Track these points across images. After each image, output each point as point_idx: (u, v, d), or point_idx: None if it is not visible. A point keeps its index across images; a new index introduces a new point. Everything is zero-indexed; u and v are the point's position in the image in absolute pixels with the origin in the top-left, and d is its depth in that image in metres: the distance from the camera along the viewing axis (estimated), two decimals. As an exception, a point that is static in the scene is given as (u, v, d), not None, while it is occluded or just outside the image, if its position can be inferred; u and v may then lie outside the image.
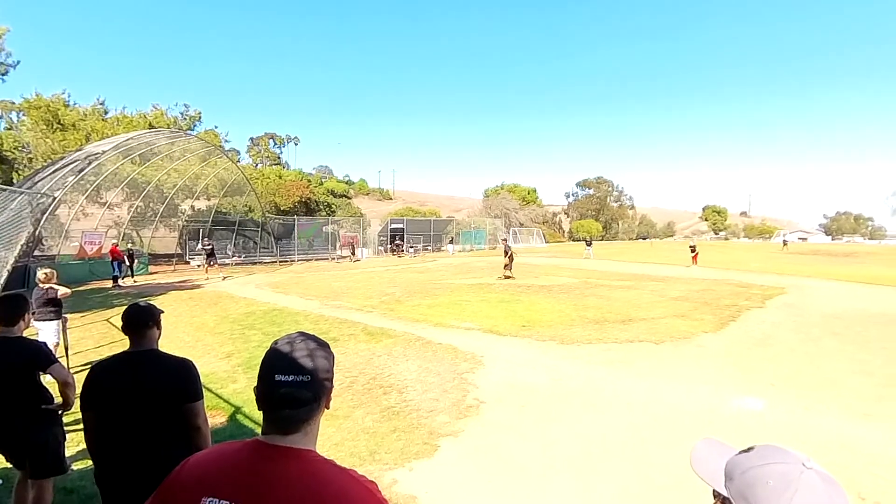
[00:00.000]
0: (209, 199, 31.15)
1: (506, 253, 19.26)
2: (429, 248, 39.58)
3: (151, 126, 31.11)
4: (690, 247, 27.74)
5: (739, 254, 40.57)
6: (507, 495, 3.83)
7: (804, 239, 78.50)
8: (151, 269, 23.45)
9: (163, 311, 2.68)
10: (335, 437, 4.78)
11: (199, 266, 25.51)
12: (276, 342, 1.19)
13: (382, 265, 26.51)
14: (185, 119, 37.23)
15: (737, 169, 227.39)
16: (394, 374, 6.75)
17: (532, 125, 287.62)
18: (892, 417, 5.48)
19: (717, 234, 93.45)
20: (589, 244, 36.06)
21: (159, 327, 2.49)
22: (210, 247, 20.67)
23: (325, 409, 1.19)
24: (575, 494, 3.85)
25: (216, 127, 39.51)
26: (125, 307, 2.53)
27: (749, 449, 0.94)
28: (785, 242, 59.45)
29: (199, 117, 38.46)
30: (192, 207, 30.81)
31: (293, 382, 1.09)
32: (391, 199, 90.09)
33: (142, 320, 2.39)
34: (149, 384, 2.20)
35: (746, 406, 5.78)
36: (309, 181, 54.47)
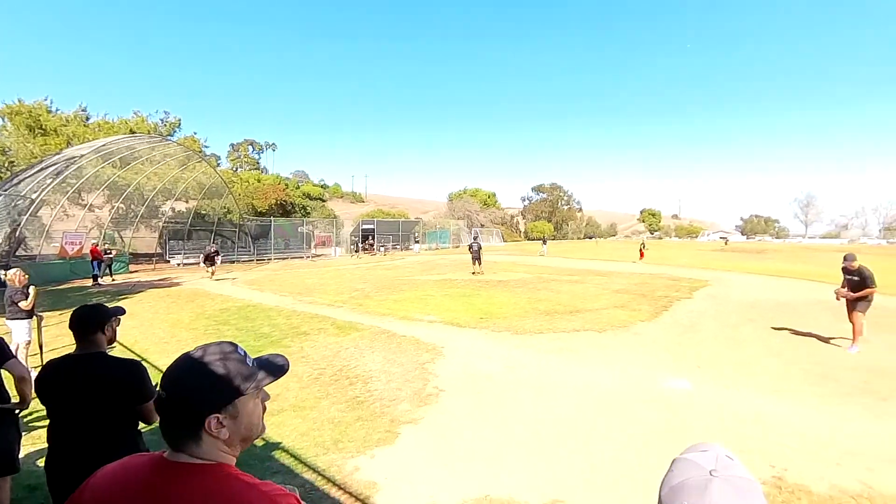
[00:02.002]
0: (188, 202, 30.14)
1: (473, 249, 19.37)
2: (398, 247, 39.31)
3: (132, 132, 29.77)
4: (642, 244, 29.95)
5: (671, 251, 41.92)
6: (463, 477, 3.75)
7: (724, 238, 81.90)
8: (132, 267, 22.40)
9: (123, 312, 2.45)
10: (301, 428, 4.59)
11: (178, 265, 24.55)
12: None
13: (354, 263, 26.13)
14: (165, 125, 35.91)
15: (669, 176, 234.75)
16: (360, 366, 6.57)
17: (492, 135, 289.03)
18: (796, 392, 5.71)
19: (652, 233, 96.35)
20: (544, 243, 36.76)
21: (106, 332, 2.27)
22: (214, 249, 19.42)
23: (229, 425, 0.98)
24: (525, 474, 3.81)
25: (195, 133, 38.28)
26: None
27: (671, 465, 0.87)
28: (726, 241, 62.31)
29: (179, 124, 37.26)
30: (172, 209, 29.70)
31: (163, 399, 0.96)
32: (363, 201, 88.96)
33: (83, 325, 2.21)
34: (91, 386, 2.07)
35: (676, 387, 5.90)
36: (286, 185, 53.27)
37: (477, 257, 19.08)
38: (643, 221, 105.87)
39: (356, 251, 34.43)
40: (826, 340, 8.32)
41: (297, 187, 60.89)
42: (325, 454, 4.06)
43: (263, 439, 4.28)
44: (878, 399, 5.54)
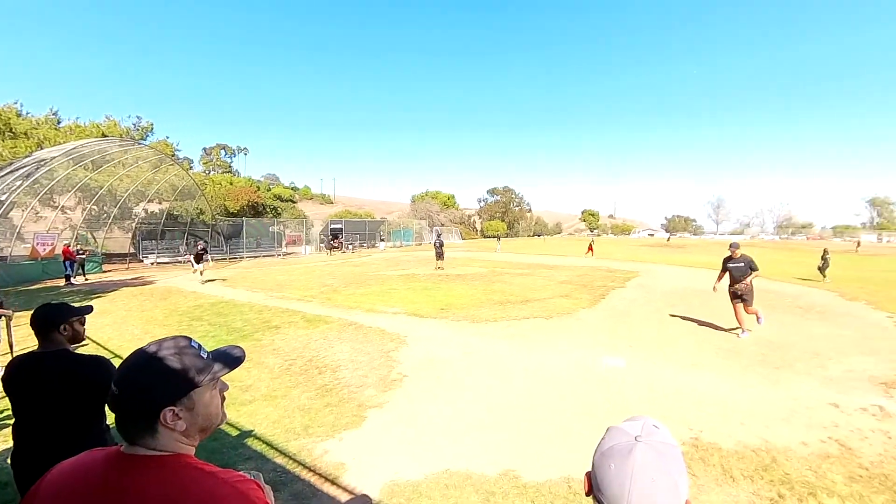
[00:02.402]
0: (161, 203, 28.51)
1: (436, 246, 19.62)
2: (364, 245, 38.79)
3: (104, 135, 27.83)
4: (592, 241, 32.12)
5: (608, 247, 43.46)
6: (425, 454, 3.76)
7: (652, 234, 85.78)
8: (105, 267, 20.93)
9: (89, 311, 2.30)
10: (272, 416, 4.44)
11: (152, 264, 23.19)
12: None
13: (324, 260, 25.54)
14: (137, 130, 33.77)
15: (606, 180, 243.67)
16: (328, 356, 6.42)
17: (452, 142, 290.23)
18: (709, 366, 6.07)
19: (591, 231, 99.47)
20: (499, 240, 37.56)
21: (64, 331, 2.10)
22: (202, 247, 16.80)
23: (185, 416, 0.94)
24: (481, 447, 3.87)
25: (168, 137, 36.06)
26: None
27: (605, 433, 0.90)
28: (669, 237, 64.93)
29: (152, 128, 35.12)
30: (145, 210, 27.98)
31: (115, 394, 0.91)
32: (332, 202, 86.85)
33: (40, 324, 2.05)
34: (54, 382, 1.93)
35: (612, 364, 6.14)
36: (257, 187, 51.30)
37: (440, 254, 19.27)
38: (584, 221, 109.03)
39: (330, 249, 33.64)
40: (730, 322, 8.89)
41: (269, 189, 58.88)
42: (295, 439, 3.96)
43: (237, 428, 4.14)
44: (773, 368, 5.99)
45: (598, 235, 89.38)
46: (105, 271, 20.16)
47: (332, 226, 37.77)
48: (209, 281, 15.34)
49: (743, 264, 7.85)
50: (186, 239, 27.83)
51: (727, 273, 8.04)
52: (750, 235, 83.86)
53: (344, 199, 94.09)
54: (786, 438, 4.04)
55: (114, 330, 8.25)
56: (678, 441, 3.22)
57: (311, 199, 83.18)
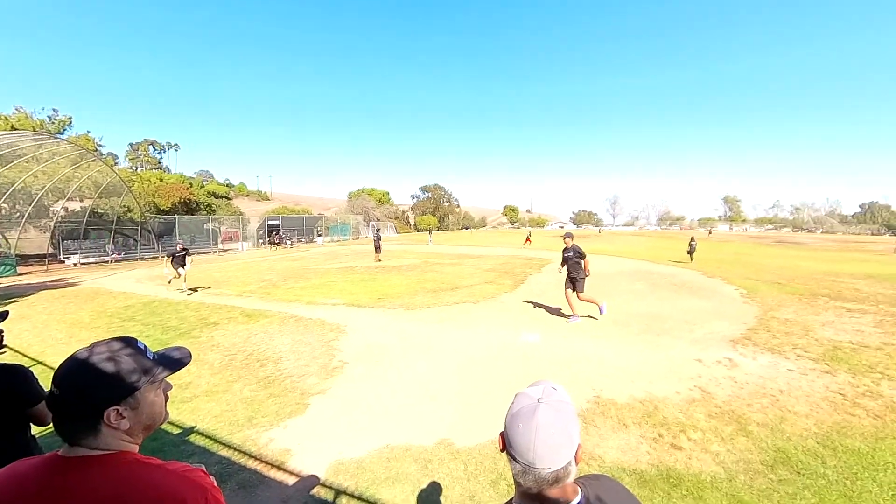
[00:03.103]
0: (83, 201, 24.75)
1: (375, 240, 19.49)
2: (303, 240, 36.90)
3: (14, 129, 23.57)
4: (529, 233, 33.93)
5: (509, 238, 45.45)
6: (367, 433, 3.74)
7: (562, 226, 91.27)
8: (21, 269, 17.79)
9: (4, 315, 1.99)
10: (215, 410, 4.13)
11: (74, 265, 20.24)
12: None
13: (262, 256, 23.97)
14: (53, 123, 28.94)
15: (525, 178, 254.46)
16: (270, 349, 6.08)
17: (386, 140, 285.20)
18: (607, 336, 6.65)
19: (512, 224, 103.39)
20: (430, 233, 37.79)
21: None
22: (182, 247, 11.80)
23: (129, 415, 0.88)
24: (419, 422, 3.93)
25: (89, 132, 31.13)
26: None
27: (514, 398, 0.93)
28: (600, 230, 68.62)
29: (70, 122, 30.26)
30: (65, 209, 24.19)
31: (56, 395, 0.85)
32: (268, 199, 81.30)
33: None
34: None
35: (530, 340, 6.50)
36: (190, 184, 46.37)
37: (377, 247, 19.12)
38: (505, 215, 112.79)
39: (274, 244, 31.49)
40: (619, 298, 9.79)
41: (202, 186, 53.58)
42: (240, 431, 3.73)
43: (178, 426, 3.81)
44: (655, 335, 6.71)
45: (518, 228, 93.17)
46: (20, 274, 17.25)
47: (270, 222, 35.31)
48: (192, 290, 11.36)
49: (572, 254, 7.63)
50: (114, 238, 24.65)
51: (565, 263, 7.75)
52: (638, 227, 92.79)
53: (281, 195, 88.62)
54: (664, 390, 4.58)
55: (34, 335, 7.13)
56: (581, 398, 3.48)
57: (247, 195, 77.35)
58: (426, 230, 54.74)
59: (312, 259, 20.86)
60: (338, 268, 16.52)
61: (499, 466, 3.16)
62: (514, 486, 0.91)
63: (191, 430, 3.75)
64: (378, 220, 58.39)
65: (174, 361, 1.00)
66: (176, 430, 3.74)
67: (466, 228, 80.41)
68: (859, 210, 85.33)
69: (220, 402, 4.33)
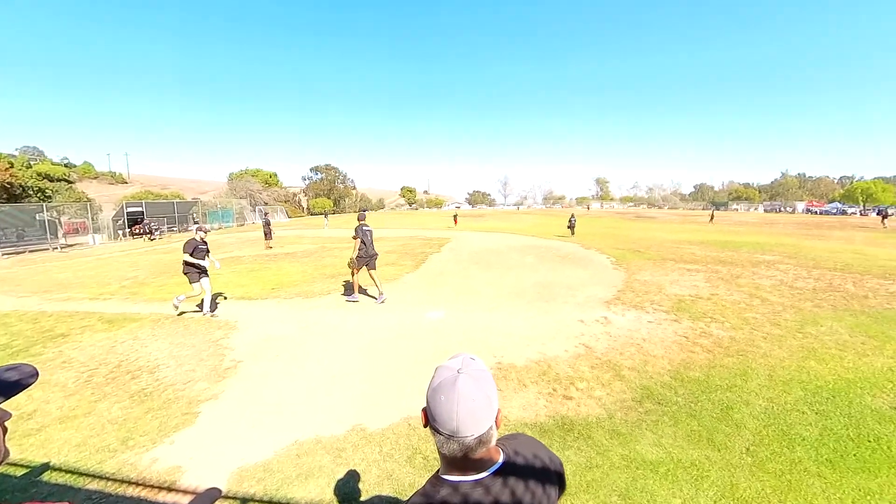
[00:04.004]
0: None
1: (265, 227, 17.74)
2: (175, 229, 31.96)
3: None
4: (455, 213, 34.70)
5: (423, 219, 46.17)
6: (272, 432, 3.51)
7: (458, 206, 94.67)
8: None
9: None
10: (75, 439, 3.42)
11: None
12: None
13: (122, 250, 20.24)
14: None
15: (421, 159, 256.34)
16: (142, 357, 5.24)
17: (272, 118, 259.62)
18: (504, 307, 7.20)
19: (410, 205, 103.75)
20: (326, 217, 35.86)
21: None
22: (203, 232, 7.42)
23: None
24: (328, 412, 3.81)
25: None
26: None
27: (434, 372, 0.95)
28: (518, 208, 70.82)
29: None
30: None
31: None
32: (126, 182, 68.39)
33: None
34: None
35: (434, 317, 6.70)
36: (10, 163, 36.31)
37: (267, 233, 17.58)
38: (403, 196, 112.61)
39: (138, 235, 26.38)
40: (516, 269, 10.67)
41: (29, 166, 42.39)
42: (112, 457, 3.17)
43: (23, 465, 3.08)
44: (545, 302, 7.48)
45: (416, 210, 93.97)
46: None
47: (130, 209, 29.58)
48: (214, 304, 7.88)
49: (368, 228, 7.77)
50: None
51: (360, 240, 7.59)
52: (527, 206, 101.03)
53: (142, 178, 75.32)
54: (555, 350, 5.16)
55: None
56: (488, 366, 3.70)
57: (95, 178, 64.07)
58: (321, 213, 51.88)
59: (186, 251, 18.29)
60: (221, 258, 14.77)
61: (413, 442, 3.25)
62: (429, 460, 0.94)
63: (44, 468, 3.06)
64: (266, 203, 53.55)
65: (8, 385, 0.81)
66: (21, 472, 3.01)
67: (364, 211, 78.39)
68: (693, 189, 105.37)
69: (80, 429, 3.60)
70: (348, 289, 7.94)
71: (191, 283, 7.04)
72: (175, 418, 3.75)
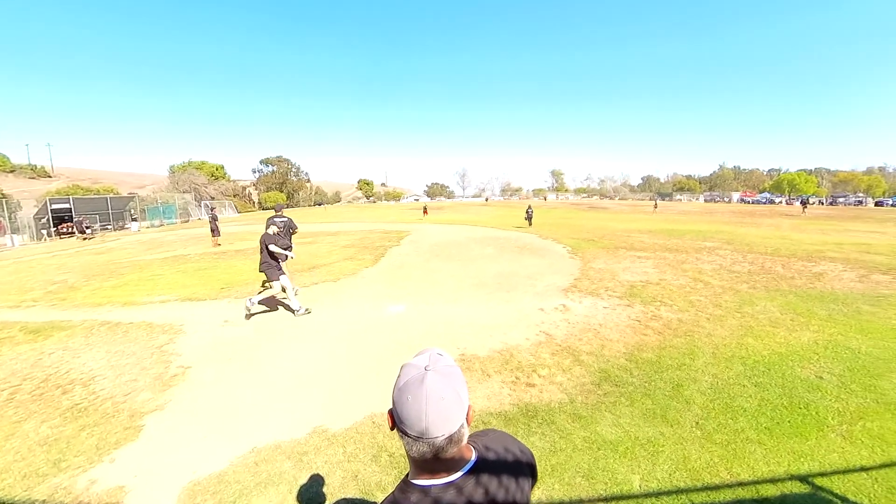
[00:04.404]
0: None
1: (212, 223, 16.62)
2: (109, 227, 29.28)
3: None
4: (424, 205, 35.15)
5: (382, 212, 45.53)
6: (227, 440, 3.31)
7: (417, 199, 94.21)
8: None
9: None
10: (-9, 464, 3.04)
11: None
12: None
13: (48, 251, 18.30)
14: None
15: (378, 151, 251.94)
16: (75, 369, 4.76)
17: (220, 107, 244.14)
18: (466, 298, 7.24)
19: (368, 198, 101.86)
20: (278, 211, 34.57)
21: None
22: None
23: None
24: (288, 416, 3.65)
25: None
26: None
27: (399, 370, 0.90)
28: (487, 199, 70.70)
29: None
30: None
31: None
32: (50, 176, 61.93)
33: None
34: None
35: (394, 311, 6.62)
36: None
37: (214, 229, 16.54)
38: (360, 189, 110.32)
39: (68, 234, 23.75)
40: (477, 261, 10.76)
41: None
42: (42, 482, 2.85)
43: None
44: (506, 292, 7.61)
45: (374, 203, 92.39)
46: None
47: (56, 206, 26.64)
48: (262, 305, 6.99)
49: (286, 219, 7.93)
50: None
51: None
52: (485, 198, 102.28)
53: (69, 171, 68.62)
54: (516, 339, 5.25)
55: None
56: (455, 360, 3.68)
57: (12, 171, 57.59)
58: (274, 208, 49.74)
59: (126, 250, 16.87)
60: (164, 257, 13.76)
61: (378, 440, 3.19)
62: (395, 458, 0.90)
63: (-52, 500, 2.71)
64: (213, 198, 50.59)
65: None
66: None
67: (320, 205, 75.96)
68: (641, 181, 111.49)
69: (1, 454, 3.22)
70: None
71: (270, 280, 6.48)
72: (115, 434, 3.44)
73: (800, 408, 3.48)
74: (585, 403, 3.64)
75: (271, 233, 6.60)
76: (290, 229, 7.75)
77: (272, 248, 6.42)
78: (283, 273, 6.50)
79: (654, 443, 3.06)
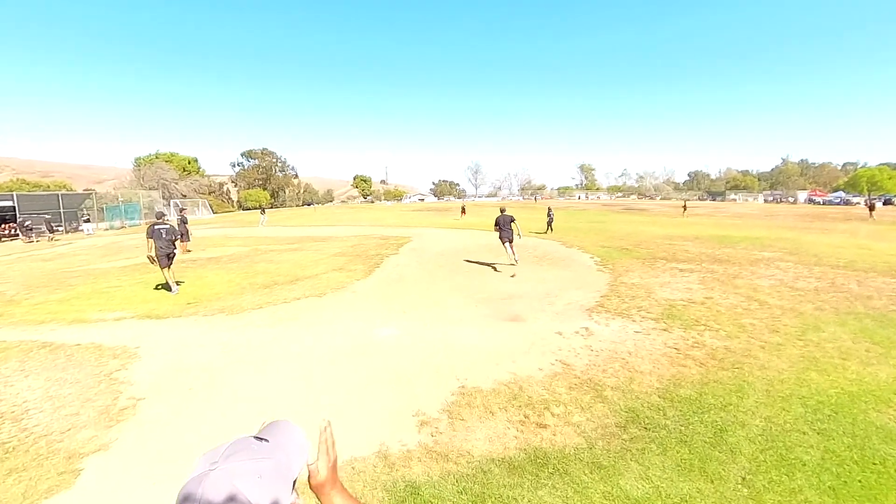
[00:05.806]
0: None
1: (181, 226, 16.84)
2: (60, 228, 29.83)
3: None
4: (463, 205, 37.12)
5: (381, 213, 45.82)
6: (173, 491, 3.26)
7: (422, 199, 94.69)
8: None
9: None
10: None
11: None
12: None
13: (-13, 257, 18.67)
14: None
15: (377, 146, 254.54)
16: (5, 400, 4.74)
17: (194, 91, 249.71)
18: (471, 319, 7.16)
19: (365, 198, 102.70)
20: (263, 212, 34.59)
21: None
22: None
23: None
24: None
25: None
26: None
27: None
28: (460, 201, 71.85)
29: None
30: None
31: None
32: None
33: None
34: None
35: (385, 334, 6.57)
36: None
37: (183, 233, 16.69)
38: (356, 187, 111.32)
39: (22, 237, 24.09)
40: (490, 267, 10.69)
41: None
42: None
43: None
44: (518, 312, 7.51)
45: (372, 202, 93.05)
46: None
47: None
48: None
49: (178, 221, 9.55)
50: None
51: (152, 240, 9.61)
52: (501, 197, 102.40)
53: (13, 162, 70.34)
54: (527, 368, 5.15)
55: None
56: (446, 391, 3.57)
57: (-58, 163, 59.30)
58: (257, 208, 50.27)
59: (79, 256, 17.15)
60: (123, 266, 13.94)
61: (357, 489, 3.11)
62: None
63: None
64: (184, 196, 51.42)
65: None
66: None
67: (309, 204, 76.79)
68: (688, 178, 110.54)
69: None
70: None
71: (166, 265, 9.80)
72: (48, 479, 3.40)
73: (874, 463, 3.32)
74: (607, 450, 3.53)
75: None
76: (173, 235, 9.88)
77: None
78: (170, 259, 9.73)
79: (689, 502, 2.94)
